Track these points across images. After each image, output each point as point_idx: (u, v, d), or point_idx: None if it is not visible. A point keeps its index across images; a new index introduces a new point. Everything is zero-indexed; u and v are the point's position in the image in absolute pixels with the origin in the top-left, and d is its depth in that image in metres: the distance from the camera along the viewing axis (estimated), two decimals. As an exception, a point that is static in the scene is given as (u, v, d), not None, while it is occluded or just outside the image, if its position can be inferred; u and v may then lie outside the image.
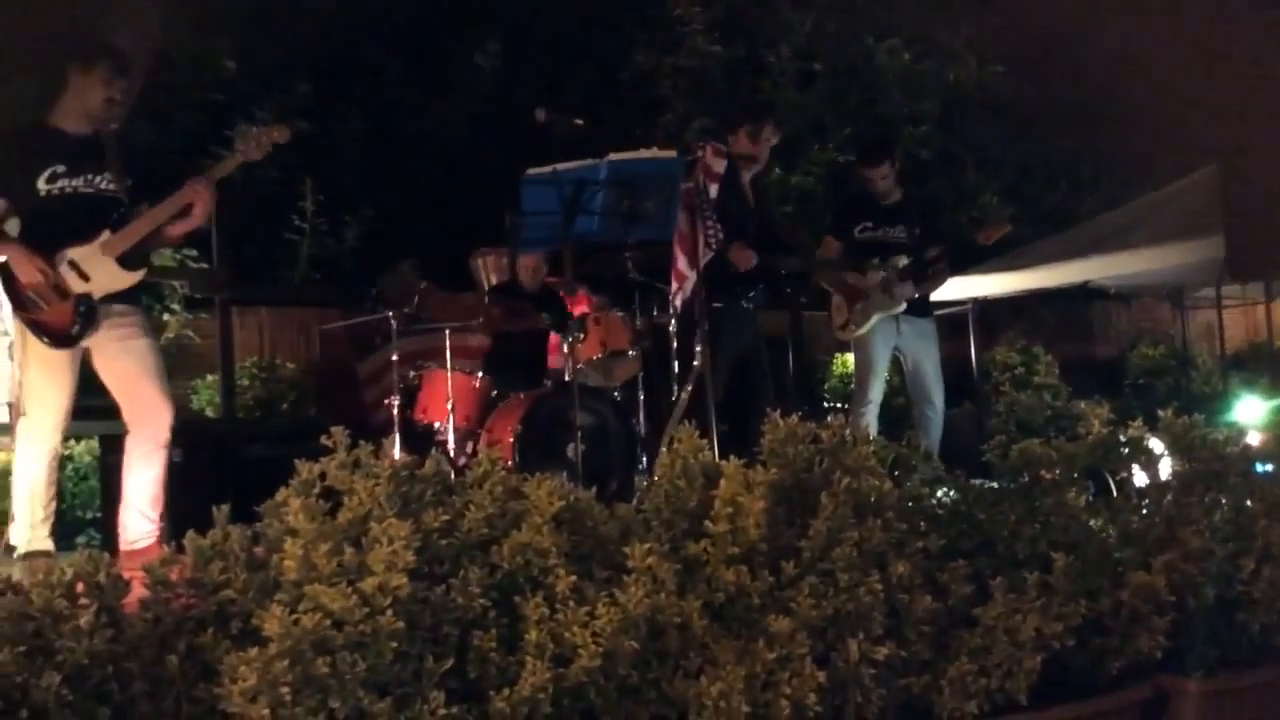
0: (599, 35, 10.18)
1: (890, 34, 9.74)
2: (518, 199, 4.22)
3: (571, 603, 2.11)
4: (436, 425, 5.43)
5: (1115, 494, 3.11)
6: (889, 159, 5.71)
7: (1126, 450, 3.12)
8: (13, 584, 2.03)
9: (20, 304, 3.90)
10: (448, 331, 5.48)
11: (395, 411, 5.45)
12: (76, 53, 4.09)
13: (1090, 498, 2.88)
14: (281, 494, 2.23)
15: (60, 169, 3.94)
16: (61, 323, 3.90)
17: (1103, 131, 10.00)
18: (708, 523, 2.34)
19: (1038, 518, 2.75)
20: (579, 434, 4.37)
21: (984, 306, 8.66)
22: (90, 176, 3.99)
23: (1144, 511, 2.95)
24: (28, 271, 3.85)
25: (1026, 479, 2.87)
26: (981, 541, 2.72)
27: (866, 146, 6.07)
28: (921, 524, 2.66)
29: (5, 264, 3.91)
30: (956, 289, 7.78)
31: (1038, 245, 8.52)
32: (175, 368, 4.51)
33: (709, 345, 4.54)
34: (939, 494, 2.89)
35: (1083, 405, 8.10)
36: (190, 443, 4.85)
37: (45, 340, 3.89)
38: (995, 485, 2.93)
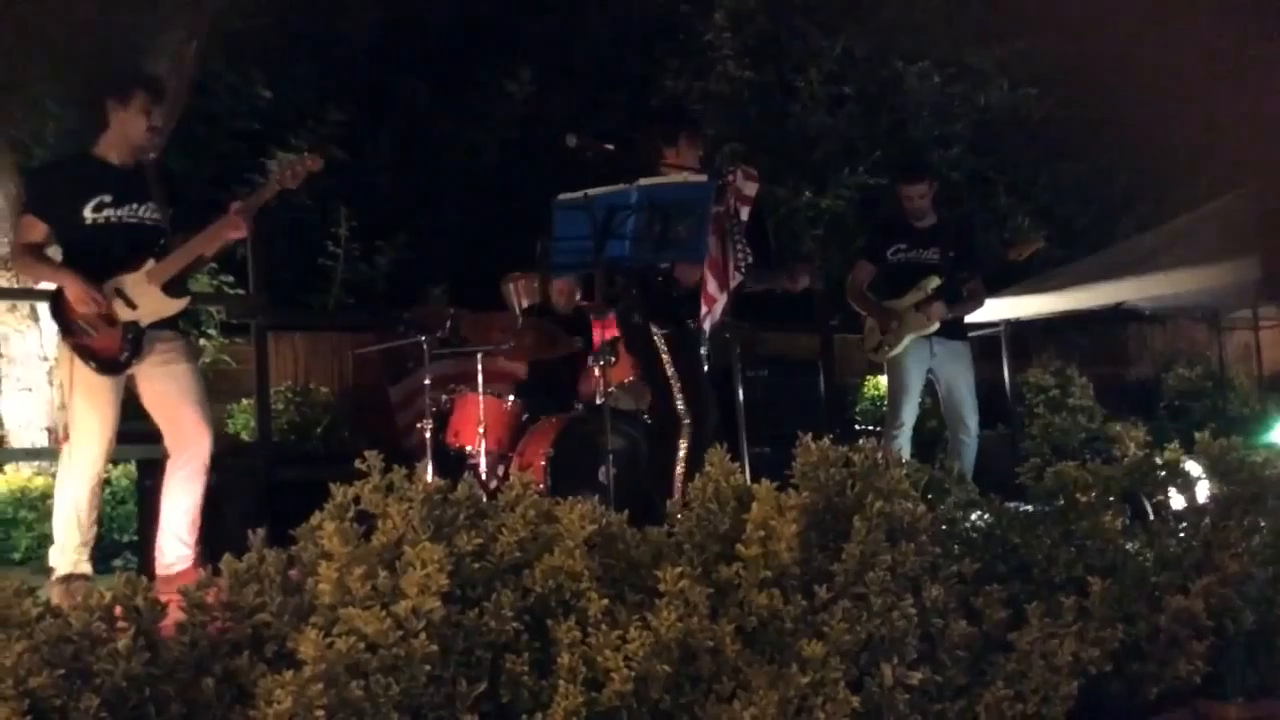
0: (630, 61, 10.24)
1: (920, 57, 9.75)
2: (549, 224, 4.25)
3: (604, 626, 2.11)
4: (468, 449, 5.45)
5: (1152, 517, 3.07)
6: (927, 177, 5.72)
7: (1163, 473, 3.08)
8: (51, 607, 2.05)
9: (69, 330, 3.97)
10: (479, 355, 5.51)
11: (428, 435, 5.48)
12: (113, 86, 4.17)
13: (1126, 521, 2.85)
14: (316, 517, 2.25)
15: (106, 199, 4.03)
16: (110, 349, 3.97)
17: (1136, 153, 9.94)
18: (739, 546, 2.33)
19: (1073, 541, 2.73)
20: (610, 457, 4.38)
21: (1017, 328, 8.61)
22: (134, 206, 4.07)
23: (1181, 535, 2.92)
24: (82, 298, 3.91)
25: (1062, 502, 2.84)
26: (1017, 565, 2.70)
27: (906, 163, 6.06)
28: (955, 548, 2.64)
29: (57, 290, 3.98)
30: (989, 310, 7.74)
31: (1071, 266, 8.48)
32: (211, 392, 4.57)
33: (687, 356, 4.48)
34: (973, 518, 2.87)
35: (1118, 428, 8.02)
36: (226, 466, 4.90)
37: (93, 366, 3.95)
38: (1030, 509, 2.91)
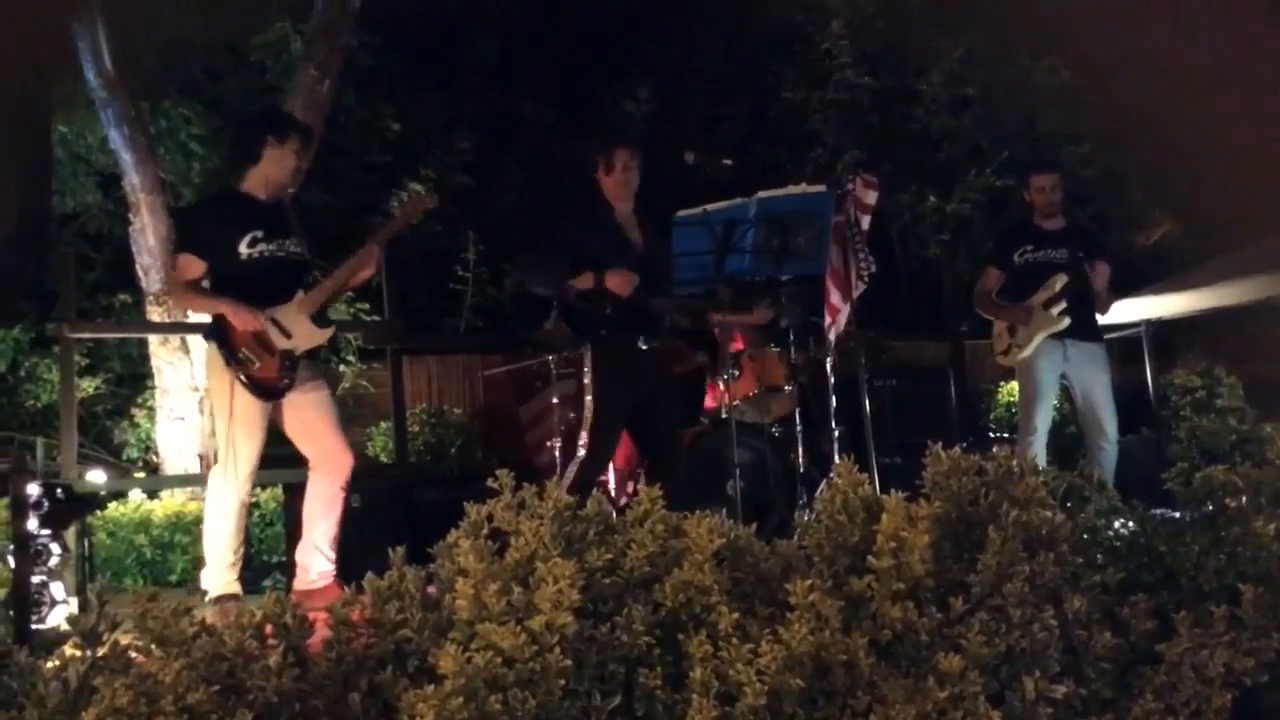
0: (747, 74, 10.25)
1: (1046, 52, 9.50)
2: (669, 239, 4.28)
3: (735, 640, 2.11)
4: (598, 465, 5.49)
5: (1308, 522, 2.93)
6: (1059, 170, 5.61)
7: (1320, 476, 2.93)
8: (207, 626, 2.15)
9: (234, 360, 4.15)
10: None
11: (557, 453, 5.55)
12: (272, 123, 4.38)
13: (1280, 526, 2.73)
14: (452, 535, 2.30)
15: (258, 234, 4.21)
16: (270, 377, 4.16)
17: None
18: (871, 558, 2.31)
19: (1223, 548, 2.62)
20: (737, 471, 4.37)
21: (1159, 328, 8.29)
22: (282, 241, 4.26)
23: (1341, 540, 2.77)
24: (246, 321, 4.10)
25: (1210, 508, 2.73)
26: (1163, 574, 2.60)
27: (1036, 156, 5.93)
28: (1098, 557, 2.56)
29: (221, 322, 4.17)
30: (1129, 310, 7.47)
31: (1215, 262, 8.13)
32: (352, 416, 4.74)
33: (609, 382, 4.38)
34: (1116, 525, 2.78)
35: (1269, 429, 7.64)
36: (367, 488, 5.06)
37: (255, 393, 4.14)
38: (1176, 515, 2.80)
